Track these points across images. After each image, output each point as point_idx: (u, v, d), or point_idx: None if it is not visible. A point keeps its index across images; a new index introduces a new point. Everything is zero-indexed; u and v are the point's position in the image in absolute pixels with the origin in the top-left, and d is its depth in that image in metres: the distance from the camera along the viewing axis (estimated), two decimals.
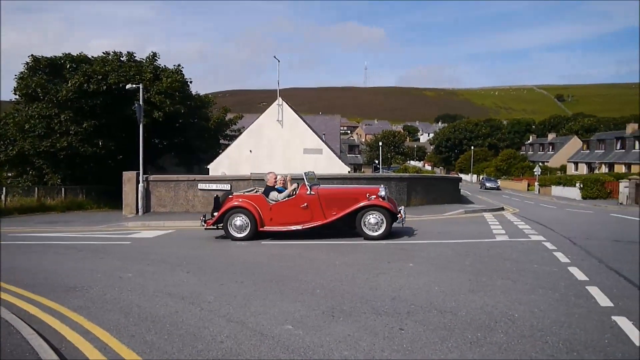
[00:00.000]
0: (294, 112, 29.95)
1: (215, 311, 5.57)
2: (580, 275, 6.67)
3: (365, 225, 10.49)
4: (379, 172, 72.41)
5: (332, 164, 28.68)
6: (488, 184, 63.36)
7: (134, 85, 20.09)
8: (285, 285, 6.70)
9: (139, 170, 18.31)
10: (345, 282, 6.75)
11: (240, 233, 10.93)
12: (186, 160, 31.92)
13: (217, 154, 31.71)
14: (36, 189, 24.49)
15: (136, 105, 18.57)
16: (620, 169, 57.52)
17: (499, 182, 67.41)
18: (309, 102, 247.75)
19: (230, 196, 11.37)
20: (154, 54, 28.94)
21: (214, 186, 17.88)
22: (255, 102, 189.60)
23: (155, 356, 4.31)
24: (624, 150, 60.94)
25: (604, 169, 61.27)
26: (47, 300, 6.17)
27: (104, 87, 25.49)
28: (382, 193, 10.67)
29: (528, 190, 60.76)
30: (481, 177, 76.70)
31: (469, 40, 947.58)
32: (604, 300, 5.54)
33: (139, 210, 17.92)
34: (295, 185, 11.16)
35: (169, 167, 31.19)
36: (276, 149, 28.97)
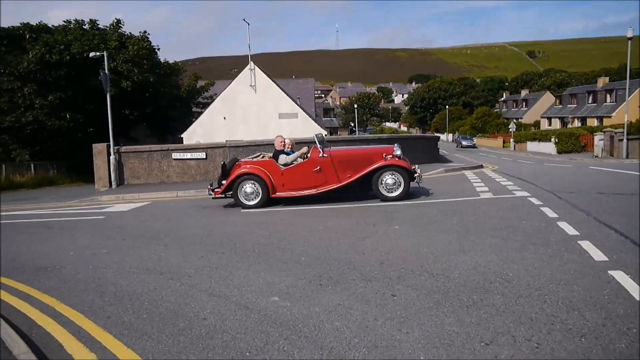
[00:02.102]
0: (267, 76, 29.25)
1: (197, 285, 5.28)
2: (570, 230, 6.52)
3: (382, 186, 10.07)
4: (355, 134, 72.09)
5: (308, 128, 28.22)
6: (464, 142, 63.71)
7: (98, 53, 19.14)
8: (268, 254, 6.42)
9: (109, 142, 17.66)
10: (330, 249, 6.50)
11: (252, 200, 10.50)
12: (159, 131, 31.14)
13: (190, 123, 31.00)
14: (3, 166, 23.62)
15: (101, 74, 17.72)
16: (593, 122, 58.17)
17: (475, 140, 67.84)
18: (280, 67, 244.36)
19: (238, 162, 10.89)
20: (118, 21, 27.76)
21: (188, 155, 17.37)
22: (226, 69, 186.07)
23: (134, 337, 4.02)
24: (595, 104, 61.52)
25: (577, 123, 61.94)
26: (16, 282, 5.81)
27: (68, 58, 24.40)
28: (398, 152, 10.24)
29: (503, 147, 61.34)
30: (456, 135, 77.12)
31: None
32: (597, 255, 5.39)
33: (112, 183, 17.37)
34: (305, 148, 10.74)
35: (142, 139, 30.37)
36: (250, 114, 28.36)
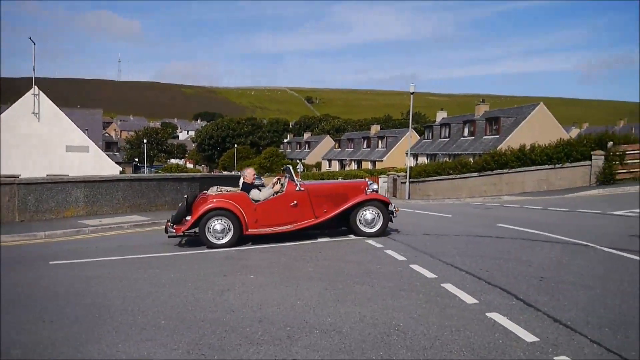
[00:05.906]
0: (54, 104, 26.03)
1: None
2: (426, 273, 6.74)
3: (360, 221, 9.72)
4: (142, 171, 68.56)
5: (101, 164, 25.80)
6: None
7: None
8: (115, 319, 5.31)
9: None
10: (189, 306, 5.69)
11: (221, 239, 9.25)
12: None
13: None
14: None
15: None
16: (368, 165, 64.80)
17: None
18: (60, 95, 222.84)
19: (204, 195, 9.53)
20: None
21: None
22: None
23: None
24: (369, 149, 68.74)
25: (354, 166, 68.29)
26: None
27: None
28: (375, 186, 10.01)
29: None
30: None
31: (227, 40, 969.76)
32: (466, 298, 5.60)
33: None
34: (275, 180, 9.97)
35: None
36: (32, 146, 24.77)
